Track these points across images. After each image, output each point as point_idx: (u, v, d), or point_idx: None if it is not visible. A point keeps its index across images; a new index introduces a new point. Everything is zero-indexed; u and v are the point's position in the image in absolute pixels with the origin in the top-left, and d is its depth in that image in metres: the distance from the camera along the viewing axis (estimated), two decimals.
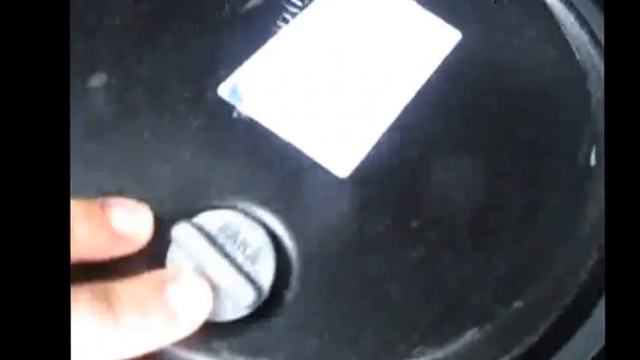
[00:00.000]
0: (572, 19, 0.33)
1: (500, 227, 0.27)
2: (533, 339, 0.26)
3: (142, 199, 0.26)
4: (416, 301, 0.26)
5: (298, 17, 0.31)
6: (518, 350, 0.26)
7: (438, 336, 0.25)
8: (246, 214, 0.26)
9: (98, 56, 0.30)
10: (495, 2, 0.33)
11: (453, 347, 0.25)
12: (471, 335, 0.25)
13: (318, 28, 0.31)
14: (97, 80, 0.29)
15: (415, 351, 0.25)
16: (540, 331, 0.26)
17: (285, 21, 0.31)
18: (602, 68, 0.31)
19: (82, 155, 0.27)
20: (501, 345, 0.25)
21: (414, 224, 0.27)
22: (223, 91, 0.29)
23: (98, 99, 0.29)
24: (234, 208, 0.26)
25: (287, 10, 0.31)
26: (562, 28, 0.32)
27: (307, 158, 0.27)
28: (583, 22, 0.33)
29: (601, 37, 0.32)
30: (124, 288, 0.24)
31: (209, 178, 0.27)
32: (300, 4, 0.32)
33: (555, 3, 0.33)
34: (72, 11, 0.28)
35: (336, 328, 0.25)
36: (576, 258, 0.27)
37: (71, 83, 0.27)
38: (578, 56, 0.32)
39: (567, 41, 0.32)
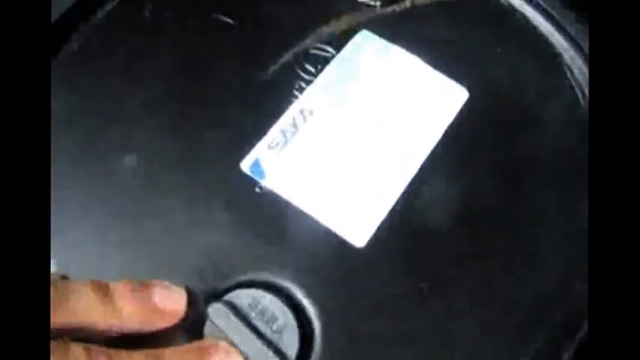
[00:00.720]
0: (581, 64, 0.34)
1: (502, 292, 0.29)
2: None
3: (175, 276, 0.29)
4: None
5: (312, 86, 0.33)
6: None
7: None
8: (273, 289, 0.28)
9: (127, 139, 0.32)
10: (499, 52, 0.34)
11: None
12: None
13: (332, 96, 0.33)
14: (128, 161, 0.32)
15: None
16: None
17: (301, 90, 0.33)
18: None
19: (116, 236, 0.30)
20: None
21: (426, 289, 0.29)
22: (246, 166, 0.31)
23: (129, 180, 0.31)
24: (261, 283, 0.29)
25: (302, 79, 0.33)
26: (568, 74, 0.34)
27: (327, 230, 0.30)
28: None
29: None
30: (173, 354, 0.27)
31: (236, 254, 0.30)
32: (313, 70, 0.33)
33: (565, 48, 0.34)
34: (105, 95, 0.31)
35: None
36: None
37: (104, 164, 0.30)
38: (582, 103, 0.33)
39: (574, 88, 0.33)
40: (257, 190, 0.31)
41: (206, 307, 0.28)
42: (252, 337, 0.27)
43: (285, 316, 0.28)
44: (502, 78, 0.33)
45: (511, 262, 0.29)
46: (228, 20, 0.35)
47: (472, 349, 0.28)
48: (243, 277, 0.29)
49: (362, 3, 0.36)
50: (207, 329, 0.28)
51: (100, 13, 0.35)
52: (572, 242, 0.29)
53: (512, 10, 0.35)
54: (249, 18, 0.35)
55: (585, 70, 0.33)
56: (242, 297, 0.28)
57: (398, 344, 0.28)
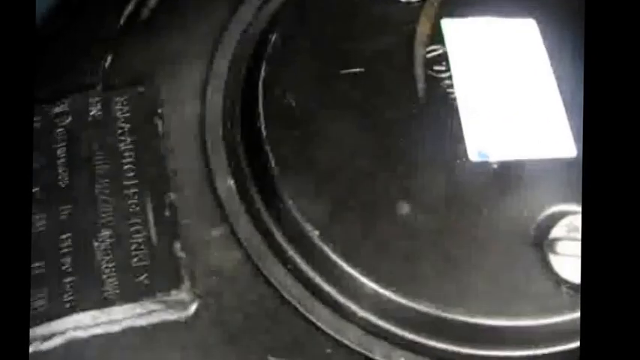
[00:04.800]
0: None
1: None
2: None
3: None
4: None
5: (455, 79, 0.42)
6: None
7: None
8: None
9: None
10: None
11: None
12: None
13: (473, 76, 0.42)
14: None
15: None
16: None
17: (451, 87, 0.42)
18: None
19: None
20: None
21: None
22: (474, 156, 0.40)
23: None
24: None
25: (443, 79, 0.42)
26: None
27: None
28: None
29: None
30: None
31: None
32: (444, 68, 0.42)
33: None
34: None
35: None
36: None
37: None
38: None
39: None
40: (494, 167, 0.40)
41: None
42: None
43: None
44: None
45: None
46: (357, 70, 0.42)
47: None
48: None
49: (405, 2, 0.44)
50: None
51: None
52: None
53: None
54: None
55: None
56: None
57: None
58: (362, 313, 0.36)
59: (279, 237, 0.38)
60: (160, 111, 0.41)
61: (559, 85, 0.42)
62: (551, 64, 0.43)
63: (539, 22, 0.44)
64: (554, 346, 0.36)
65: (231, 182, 0.39)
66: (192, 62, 0.43)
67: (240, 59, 0.43)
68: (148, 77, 0.42)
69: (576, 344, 0.36)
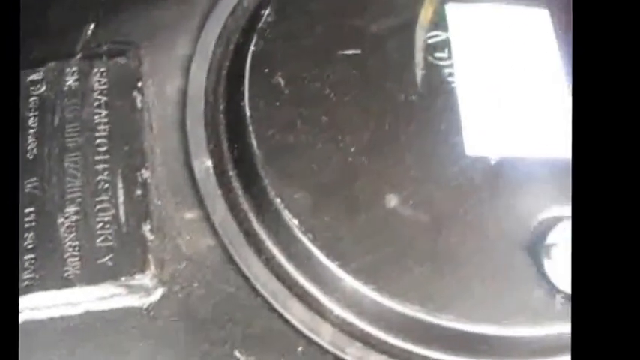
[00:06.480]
0: None
1: None
2: None
3: None
4: None
5: (456, 67, 0.39)
6: None
7: None
8: None
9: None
10: None
11: None
12: None
13: (476, 65, 0.39)
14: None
15: None
16: None
17: (451, 75, 0.39)
18: None
19: None
20: None
21: None
22: (472, 152, 0.37)
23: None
24: None
25: (444, 66, 0.39)
26: None
27: None
28: None
29: None
30: None
31: None
32: (445, 55, 0.40)
33: None
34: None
35: None
36: None
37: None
38: None
39: None
40: (492, 163, 0.37)
41: None
42: None
43: None
44: None
45: None
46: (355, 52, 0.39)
47: None
48: None
49: None
50: None
51: None
52: None
53: None
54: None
55: None
56: None
57: None
58: (338, 310, 0.34)
59: (256, 224, 0.35)
60: (139, 85, 0.38)
61: (567, 83, 0.39)
62: (562, 60, 0.40)
63: (553, 15, 0.41)
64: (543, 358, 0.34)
65: (209, 163, 0.36)
66: (180, 35, 0.40)
67: (230, 34, 0.40)
68: (132, 49, 0.39)
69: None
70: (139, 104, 0.38)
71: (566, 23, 0.40)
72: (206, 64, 0.39)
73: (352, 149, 0.36)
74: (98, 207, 0.35)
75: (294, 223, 0.34)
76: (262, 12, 0.40)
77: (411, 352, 0.34)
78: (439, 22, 0.40)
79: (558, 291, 0.34)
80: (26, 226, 0.35)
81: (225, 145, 0.37)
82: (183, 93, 0.38)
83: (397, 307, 0.34)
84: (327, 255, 0.34)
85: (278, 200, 0.35)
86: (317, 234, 0.34)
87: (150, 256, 0.34)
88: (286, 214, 0.35)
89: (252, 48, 0.38)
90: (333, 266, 0.34)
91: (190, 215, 0.35)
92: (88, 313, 0.33)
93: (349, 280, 0.34)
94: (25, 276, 0.34)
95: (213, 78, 0.39)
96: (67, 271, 0.34)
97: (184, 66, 0.39)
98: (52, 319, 0.33)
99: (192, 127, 0.37)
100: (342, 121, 0.37)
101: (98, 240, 0.34)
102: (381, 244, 0.34)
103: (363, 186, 0.35)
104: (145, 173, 0.36)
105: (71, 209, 0.35)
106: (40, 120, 0.37)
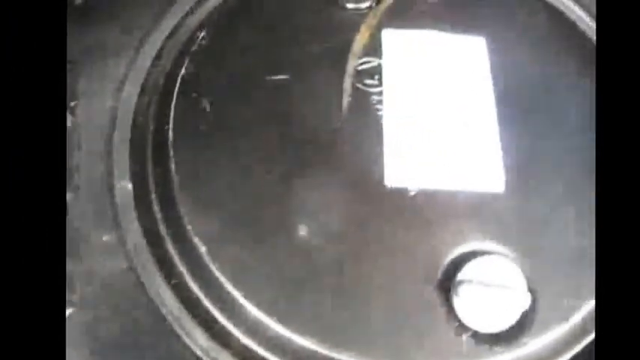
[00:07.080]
0: None
1: None
2: None
3: None
4: None
5: (385, 95, 0.39)
6: None
7: None
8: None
9: None
10: None
11: None
12: None
13: (405, 93, 0.39)
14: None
15: None
16: None
17: (380, 102, 0.39)
18: None
19: None
20: None
21: None
22: (391, 182, 0.37)
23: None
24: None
25: (372, 93, 0.39)
26: None
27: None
28: None
29: None
30: None
31: None
32: (376, 82, 0.39)
33: None
34: None
35: None
36: None
37: None
38: None
39: None
40: (410, 195, 0.37)
41: None
42: None
43: None
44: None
45: None
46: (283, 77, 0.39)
47: None
48: None
49: (351, 9, 0.41)
50: None
51: None
52: None
53: None
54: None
55: None
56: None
57: None
58: (242, 338, 0.34)
59: (169, 249, 0.36)
60: (72, 104, 0.39)
61: (498, 113, 0.38)
62: (495, 90, 0.39)
63: (489, 42, 0.40)
64: None
65: (130, 186, 0.37)
66: (119, 54, 0.41)
67: (166, 56, 0.40)
68: (69, 67, 0.40)
69: None
70: (69, 124, 0.38)
71: (502, 52, 0.39)
72: (139, 85, 0.39)
73: (268, 177, 0.36)
74: None
75: (203, 250, 0.35)
76: (198, 34, 0.40)
77: None
78: (373, 48, 0.40)
79: (465, 329, 0.34)
80: None
81: (149, 169, 0.37)
82: (114, 114, 0.39)
83: (298, 339, 0.34)
84: (233, 284, 0.34)
85: (190, 227, 0.35)
86: (224, 263, 0.35)
87: None
88: (197, 241, 0.35)
89: (183, 71, 0.39)
90: (238, 295, 0.34)
91: (107, 238, 0.36)
92: None
93: (252, 310, 0.34)
94: None
95: (145, 100, 0.39)
96: None
97: (118, 87, 0.40)
98: None
99: (118, 148, 0.38)
100: (259, 150, 0.37)
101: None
102: (287, 276, 0.35)
103: (273, 216, 0.35)
104: (68, 195, 0.37)
105: None
106: None
